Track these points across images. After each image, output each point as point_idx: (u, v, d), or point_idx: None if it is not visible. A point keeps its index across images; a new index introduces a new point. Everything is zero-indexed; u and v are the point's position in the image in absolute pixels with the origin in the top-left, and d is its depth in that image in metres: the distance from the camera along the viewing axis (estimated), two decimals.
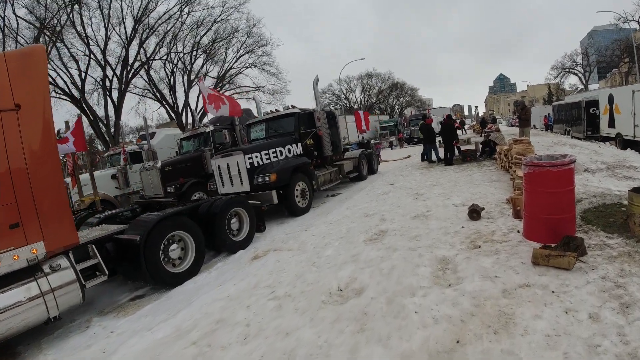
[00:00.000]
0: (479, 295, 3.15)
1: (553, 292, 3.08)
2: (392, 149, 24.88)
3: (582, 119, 21.29)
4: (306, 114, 10.41)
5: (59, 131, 8.84)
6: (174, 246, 5.85)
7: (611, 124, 16.81)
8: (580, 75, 57.59)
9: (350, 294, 3.72)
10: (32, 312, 4.28)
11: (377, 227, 5.99)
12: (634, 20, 37.19)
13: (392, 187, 9.87)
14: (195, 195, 11.06)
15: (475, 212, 5.60)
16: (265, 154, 9.02)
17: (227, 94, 33.97)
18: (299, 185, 9.07)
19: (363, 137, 35.26)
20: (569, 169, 4.12)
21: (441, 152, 13.67)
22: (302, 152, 9.95)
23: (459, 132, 36.75)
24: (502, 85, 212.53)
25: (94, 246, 5.34)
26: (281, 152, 9.39)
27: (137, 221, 5.91)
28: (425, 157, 14.72)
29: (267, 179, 8.42)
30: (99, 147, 33.73)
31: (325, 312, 3.42)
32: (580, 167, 9.27)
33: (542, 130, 33.40)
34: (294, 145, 9.78)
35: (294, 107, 10.69)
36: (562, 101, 33.42)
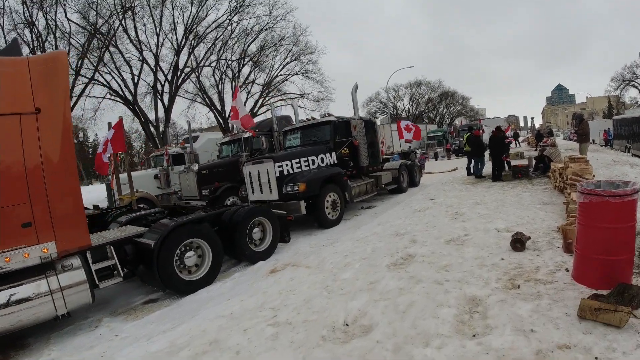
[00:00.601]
0: (507, 356, 2.58)
1: (596, 358, 2.46)
2: (436, 160, 23.75)
3: None
4: (342, 122, 10.04)
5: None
6: (190, 253, 5.68)
7: None
8: None
9: (356, 331, 3.25)
10: (41, 308, 4.37)
11: (405, 249, 5.44)
12: None
13: (431, 203, 9.20)
14: (229, 200, 11.01)
15: (519, 242, 4.91)
16: (297, 163, 8.73)
17: (272, 100, 34.68)
18: (330, 197, 8.68)
19: (410, 147, 34.47)
20: (632, 201, 3.40)
21: (490, 167, 12.72)
22: (336, 162, 9.56)
23: (512, 145, 34.94)
24: (560, 96, 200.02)
25: (112, 247, 5.34)
26: (313, 161, 9.06)
27: (156, 226, 5.80)
28: (472, 171, 13.79)
29: (295, 188, 8.13)
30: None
31: (321, 351, 2.98)
32: None
33: (601, 145, 30.67)
34: (328, 155, 9.41)
35: (330, 115, 10.35)
36: (622, 115, 30.59)
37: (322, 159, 9.24)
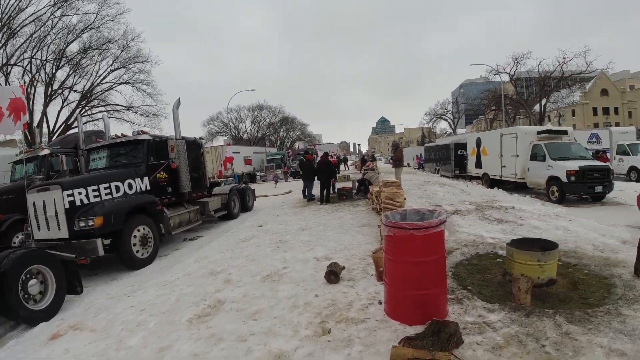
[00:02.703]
0: None
1: None
2: (275, 185, 23.91)
3: (450, 159, 23.29)
4: (159, 142, 8.77)
5: None
6: None
7: (478, 164, 18.35)
8: (449, 120, 66.12)
9: None
10: None
11: (215, 294, 4.66)
12: (505, 73, 42.38)
13: (259, 231, 8.69)
14: (16, 238, 8.48)
15: (333, 275, 4.67)
16: (95, 190, 7.09)
17: (95, 111, 30.06)
18: (139, 231, 7.30)
19: (254, 168, 34.25)
20: (438, 232, 3.36)
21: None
22: (149, 189, 8.19)
23: (341, 168, 38.10)
24: (383, 126, 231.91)
25: None
26: (118, 188, 7.52)
27: None
28: (305, 194, 14.03)
29: (90, 223, 6.53)
30: None
31: None
32: (450, 209, 9.29)
33: (415, 168, 36.22)
34: (139, 180, 7.99)
35: (144, 132, 8.98)
36: (432, 143, 36.88)
37: (129, 185, 7.77)
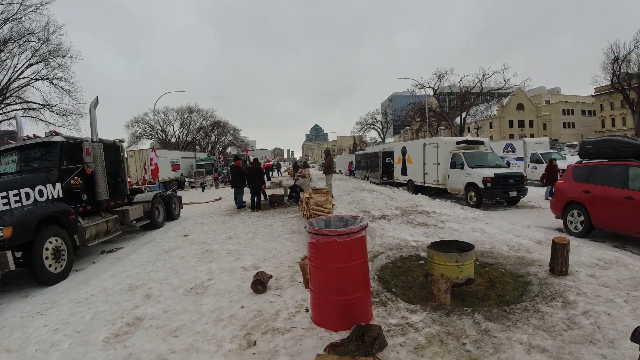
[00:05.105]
0: None
1: None
2: (203, 191, 22.90)
3: (379, 167, 24.21)
4: (73, 144, 7.99)
5: None
6: None
7: (404, 171, 19.25)
8: (379, 130, 69.02)
9: None
10: None
11: (134, 311, 4.31)
12: (429, 87, 45.43)
13: (183, 241, 8.26)
14: None
15: (259, 284, 4.55)
16: (3, 197, 6.27)
17: (10, 109, 26.82)
18: (51, 243, 6.56)
19: (182, 174, 32.59)
20: (360, 238, 3.42)
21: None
22: (61, 195, 7.42)
23: (274, 174, 37.87)
24: (317, 134, 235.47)
25: None
26: (28, 195, 6.71)
27: None
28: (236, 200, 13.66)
29: None
30: None
31: None
32: (377, 214, 9.58)
33: (346, 175, 37.09)
34: (50, 186, 7.19)
35: (57, 133, 8.13)
36: (363, 151, 38.07)
37: (40, 192, 6.97)
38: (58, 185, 7.44)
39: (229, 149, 68.09)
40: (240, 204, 13.25)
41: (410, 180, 18.41)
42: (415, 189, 17.51)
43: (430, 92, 46.40)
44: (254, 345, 3.26)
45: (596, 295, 3.96)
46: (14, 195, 6.53)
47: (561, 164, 15.46)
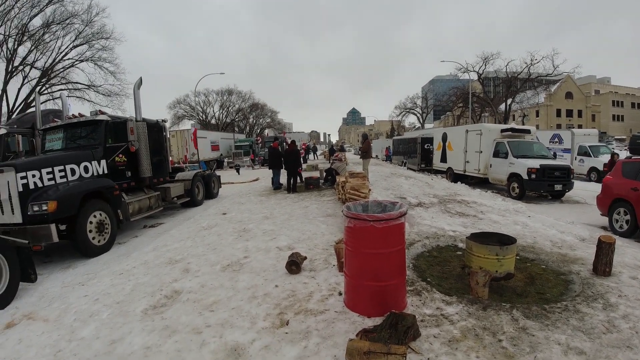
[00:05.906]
0: None
1: None
2: (238, 173, 23.26)
3: (417, 153, 23.61)
4: (117, 123, 8.31)
5: None
6: None
7: (443, 159, 18.70)
8: (418, 115, 67.16)
9: None
10: None
11: (172, 284, 4.48)
12: (474, 71, 43.18)
13: (221, 219, 8.48)
14: None
15: (294, 265, 4.60)
16: (49, 173, 6.63)
17: (55, 89, 28.36)
18: (95, 217, 6.92)
19: (221, 154, 33.40)
20: (398, 225, 3.34)
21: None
22: (107, 172, 7.77)
23: (310, 157, 37.98)
24: (354, 117, 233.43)
25: None
26: (73, 171, 7.08)
27: None
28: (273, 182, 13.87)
29: (44, 207, 6.10)
30: None
31: None
32: (414, 201, 9.40)
33: (383, 160, 36.59)
34: (95, 163, 7.55)
35: (103, 112, 8.48)
36: (401, 136, 37.34)
37: (85, 168, 7.34)
38: (103, 162, 7.79)
39: (266, 130, 68.91)
40: (276, 186, 13.42)
41: (449, 168, 17.88)
42: (455, 177, 16.99)
43: (474, 76, 44.17)
44: (287, 324, 3.30)
45: (637, 299, 3.71)
46: (60, 171, 6.86)
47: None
